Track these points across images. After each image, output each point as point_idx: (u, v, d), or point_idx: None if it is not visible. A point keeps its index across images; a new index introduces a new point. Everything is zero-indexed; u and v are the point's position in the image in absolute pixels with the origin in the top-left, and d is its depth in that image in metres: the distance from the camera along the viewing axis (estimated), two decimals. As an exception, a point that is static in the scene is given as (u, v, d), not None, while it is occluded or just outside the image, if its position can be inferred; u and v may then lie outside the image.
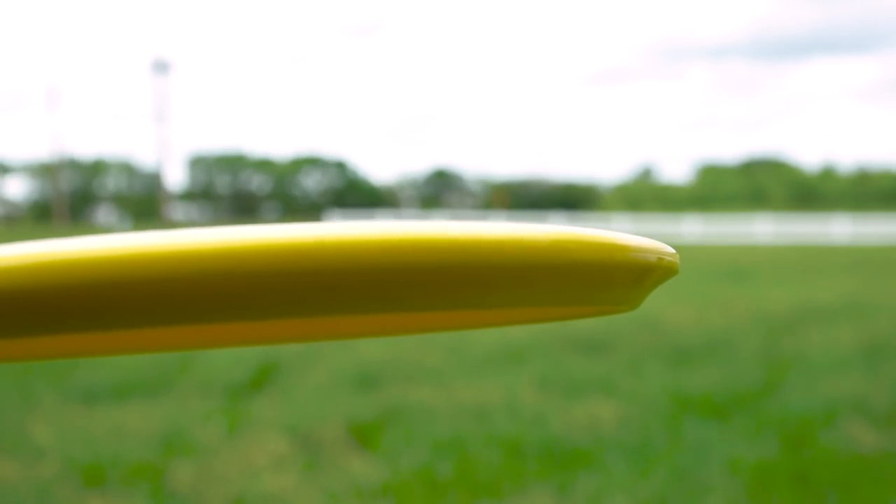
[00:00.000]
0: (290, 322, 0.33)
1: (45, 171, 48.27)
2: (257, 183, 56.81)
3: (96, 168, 53.44)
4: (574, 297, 0.24)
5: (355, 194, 54.39)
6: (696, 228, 26.18)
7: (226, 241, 0.19)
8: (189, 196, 55.33)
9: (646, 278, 0.25)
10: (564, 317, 0.30)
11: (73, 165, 50.94)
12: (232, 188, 55.97)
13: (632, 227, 28.02)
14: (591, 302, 0.24)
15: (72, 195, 49.48)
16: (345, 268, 0.19)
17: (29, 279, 0.18)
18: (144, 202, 50.40)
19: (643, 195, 54.16)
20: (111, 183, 54.02)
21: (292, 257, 0.19)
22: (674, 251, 0.26)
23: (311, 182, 56.65)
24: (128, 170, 53.87)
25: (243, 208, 54.77)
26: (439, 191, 56.90)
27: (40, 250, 0.19)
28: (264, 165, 56.36)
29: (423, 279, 0.20)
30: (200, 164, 55.71)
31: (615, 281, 0.24)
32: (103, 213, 52.14)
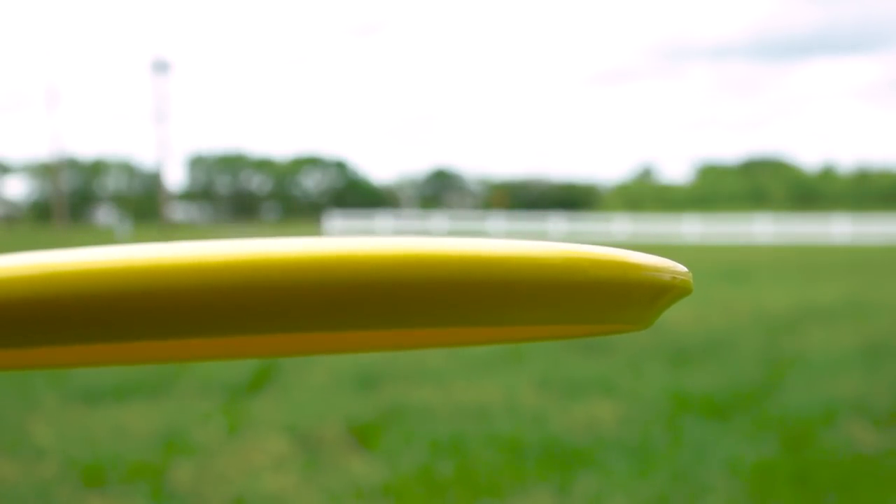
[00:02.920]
0: (295, 336, 0.33)
1: (45, 171, 48.25)
2: (257, 183, 56.82)
3: (96, 168, 53.46)
4: (587, 316, 0.24)
5: (355, 194, 54.38)
6: (695, 228, 26.18)
7: (230, 254, 0.19)
8: (189, 196, 55.32)
9: (659, 297, 0.25)
10: (577, 334, 0.30)
11: (73, 165, 50.94)
12: (232, 188, 55.98)
13: (632, 227, 28.02)
14: (604, 320, 0.24)
15: (72, 195, 49.45)
16: (359, 283, 0.19)
17: (30, 290, 0.18)
18: (144, 202, 50.39)
19: (643, 195, 54.16)
20: (111, 183, 54.04)
21: (305, 272, 0.19)
22: (686, 270, 0.26)
23: (311, 182, 56.66)
24: (128, 170, 53.89)
25: (243, 208, 54.77)
26: (439, 191, 56.89)
27: (42, 261, 0.19)
28: (264, 165, 56.37)
29: (436, 295, 0.20)
30: (200, 164, 55.73)
31: (629, 299, 0.24)
32: (103, 214, 52.07)
